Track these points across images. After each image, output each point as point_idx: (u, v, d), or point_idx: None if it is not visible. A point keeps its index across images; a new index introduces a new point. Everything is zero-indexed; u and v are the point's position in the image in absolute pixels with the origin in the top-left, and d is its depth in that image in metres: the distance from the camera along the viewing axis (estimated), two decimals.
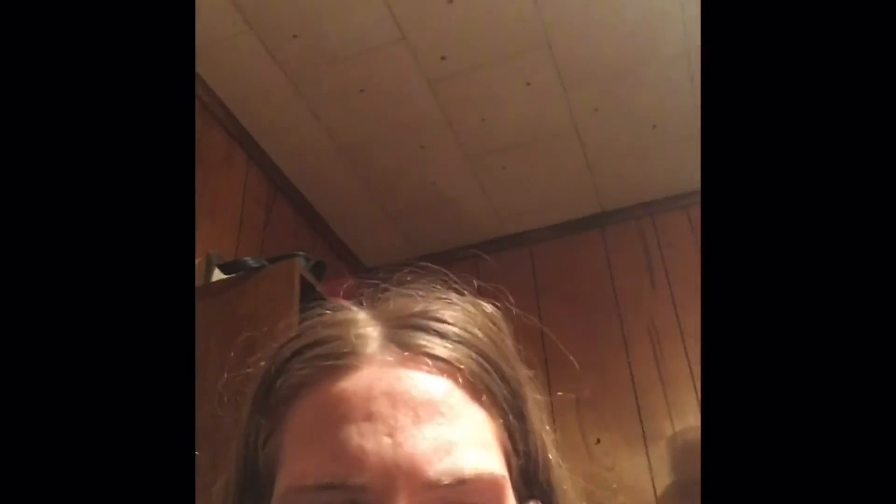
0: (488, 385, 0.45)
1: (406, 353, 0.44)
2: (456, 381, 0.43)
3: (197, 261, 1.60)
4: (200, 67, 1.93)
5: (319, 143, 2.19)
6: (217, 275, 1.56)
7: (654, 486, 1.96)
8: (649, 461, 1.99)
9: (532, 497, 0.46)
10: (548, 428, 0.49)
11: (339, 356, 0.44)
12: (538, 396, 0.50)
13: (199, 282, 1.57)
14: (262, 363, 0.48)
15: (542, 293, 2.37)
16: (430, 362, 0.43)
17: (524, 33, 1.91)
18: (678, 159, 2.29)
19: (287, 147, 2.20)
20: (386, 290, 0.50)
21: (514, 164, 2.31)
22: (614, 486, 1.96)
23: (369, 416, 0.40)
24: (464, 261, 2.51)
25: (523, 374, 0.49)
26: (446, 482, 0.39)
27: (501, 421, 0.45)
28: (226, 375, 0.53)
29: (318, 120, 2.12)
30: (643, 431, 2.05)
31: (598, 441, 2.06)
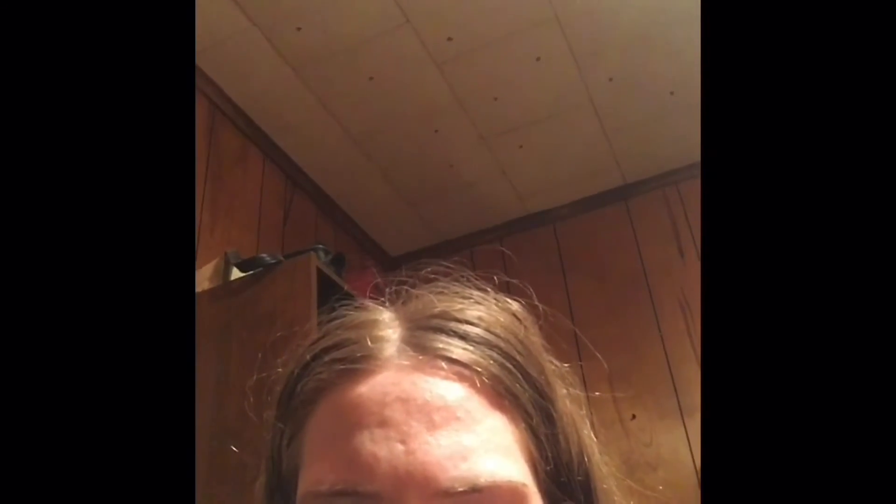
0: (510, 388, 0.43)
1: (422, 357, 0.43)
2: (474, 384, 0.42)
3: (214, 261, 1.61)
4: (208, 68, 1.93)
5: (333, 135, 2.18)
6: (236, 273, 1.56)
7: (693, 460, 1.92)
8: (687, 434, 1.96)
9: (565, 501, 0.44)
10: (587, 430, 0.47)
11: (355, 360, 0.43)
12: (574, 391, 0.48)
13: (217, 281, 1.57)
14: (288, 365, 0.48)
15: (568, 271, 2.33)
16: (446, 366, 0.42)
17: (530, 7, 1.87)
18: (699, 124, 2.22)
19: (301, 141, 2.20)
20: (412, 286, 0.49)
21: (531, 142, 2.28)
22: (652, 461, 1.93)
23: (383, 423, 0.40)
24: (488, 243, 2.48)
25: (553, 371, 0.47)
26: (460, 489, 0.38)
27: (525, 425, 0.43)
28: (255, 377, 0.53)
29: (329, 112, 2.11)
30: (679, 405, 2.01)
31: (634, 417, 2.03)
